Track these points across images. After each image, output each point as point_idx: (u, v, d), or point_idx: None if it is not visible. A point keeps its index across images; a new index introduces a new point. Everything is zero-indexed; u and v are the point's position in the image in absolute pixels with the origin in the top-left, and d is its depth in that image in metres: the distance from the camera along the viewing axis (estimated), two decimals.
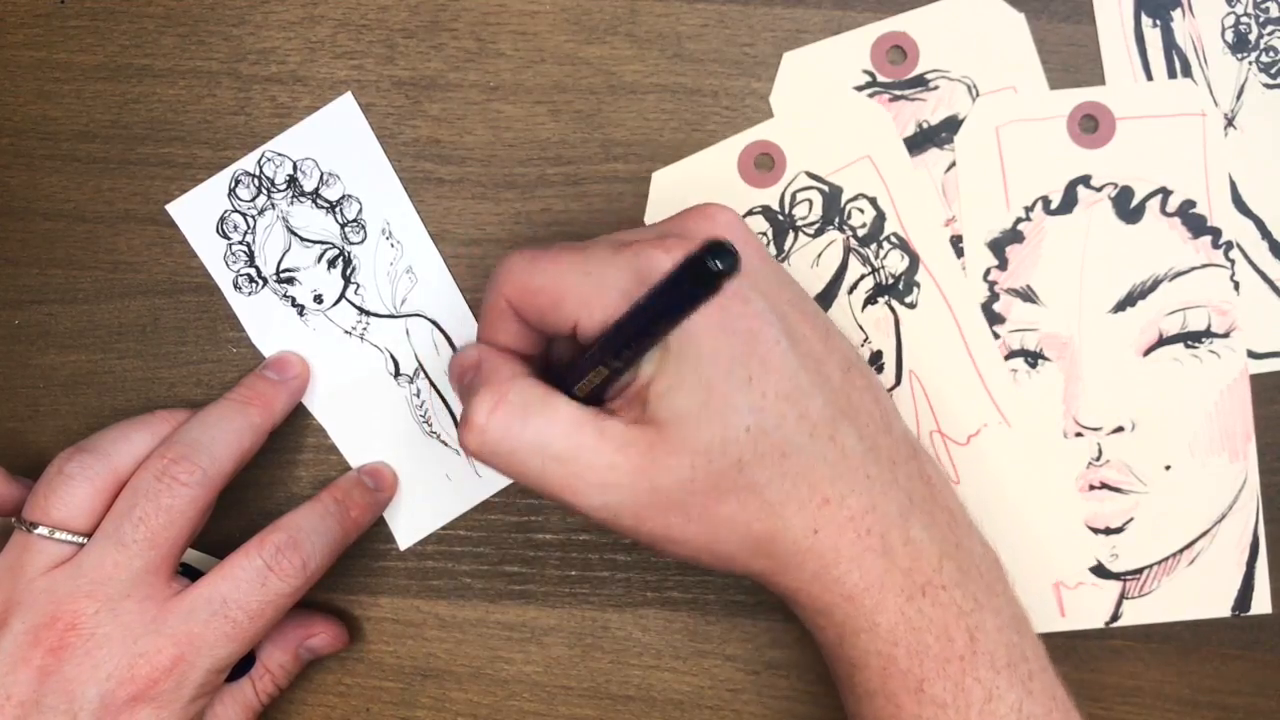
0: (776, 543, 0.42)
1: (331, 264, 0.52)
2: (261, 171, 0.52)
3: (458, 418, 0.52)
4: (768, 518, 0.41)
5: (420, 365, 0.52)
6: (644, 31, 0.51)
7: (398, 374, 0.53)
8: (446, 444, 0.53)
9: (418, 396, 0.53)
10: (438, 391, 0.53)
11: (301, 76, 0.51)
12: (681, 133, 0.51)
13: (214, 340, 0.52)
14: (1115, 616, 0.52)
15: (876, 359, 0.52)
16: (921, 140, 0.51)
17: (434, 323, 0.52)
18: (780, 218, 0.52)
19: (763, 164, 0.52)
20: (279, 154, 0.52)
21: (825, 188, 0.52)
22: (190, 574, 0.47)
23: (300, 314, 0.52)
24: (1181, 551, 0.52)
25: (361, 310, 0.52)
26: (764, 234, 0.52)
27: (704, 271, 0.33)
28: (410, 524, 0.53)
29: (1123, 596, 0.52)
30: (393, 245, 0.52)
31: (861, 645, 0.43)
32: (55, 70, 0.52)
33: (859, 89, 0.51)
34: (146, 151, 0.52)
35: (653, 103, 0.51)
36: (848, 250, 0.52)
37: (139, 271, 0.52)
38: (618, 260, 0.41)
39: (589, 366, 0.40)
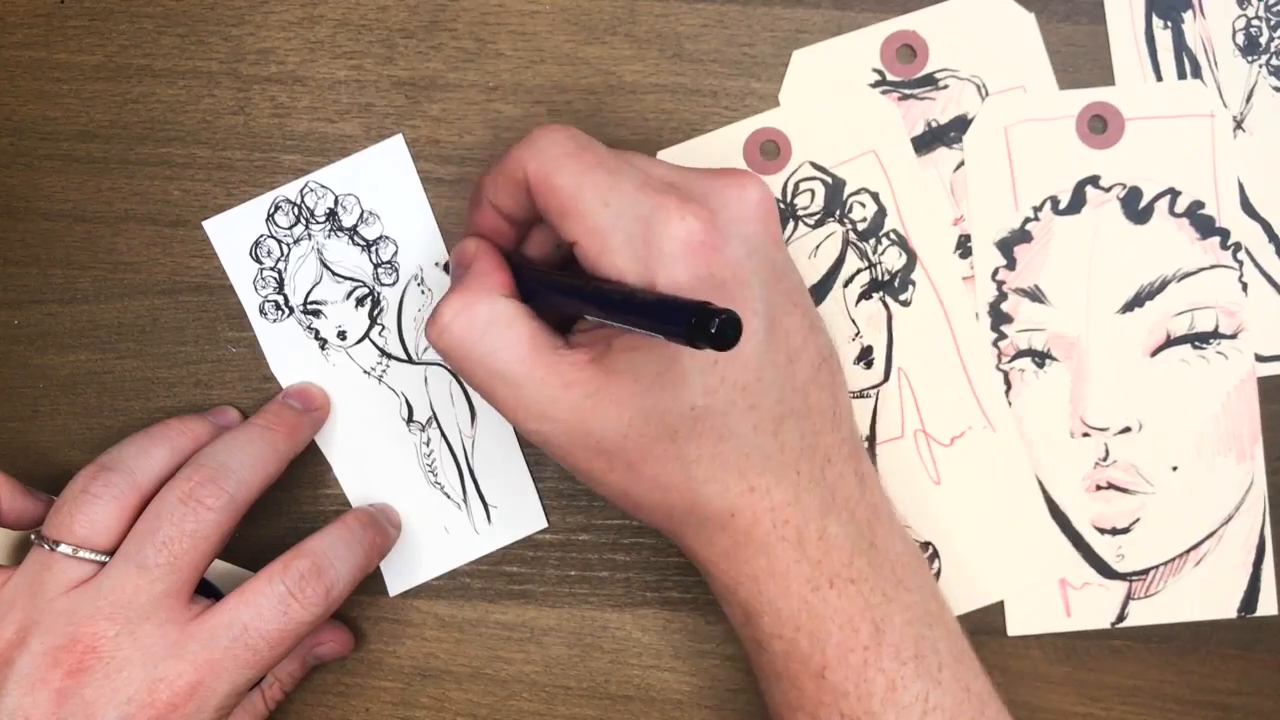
0: (692, 514, 0.43)
1: (360, 302, 0.52)
2: (303, 201, 0.51)
3: (464, 471, 0.52)
4: (688, 491, 0.42)
5: (434, 415, 0.52)
6: (643, 31, 0.51)
7: (410, 420, 0.52)
8: (449, 496, 0.52)
9: (427, 445, 0.52)
10: (448, 444, 0.52)
11: (301, 77, 0.51)
12: (681, 133, 0.51)
13: (213, 340, 0.52)
14: (1121, 617, 0.52)
15: (867, 354, 0.52)
16: (930, 139, 0.51)
17: (453, 375, 0.52)
18: (782, 206, 0.51)
19: (768, 151, 0.51)
20: (322, 186, 0.51)
21: (828, 179, 0.51)
22: (204, 587, 0.47)
23: (322, 348, 0.52)
24: (1188, 552, 0.52)
25: (383, 352, 0.52)
26: None
27: (703, 328, 0.34)
28: (402, 571, 0.52)
29: (1129, 597, 0.52)
30: (423, 292, 0.52)
31: (765, 628, 0.43)
32: (55, 70, 0.52)
33: (870, 87, 0.51)
34: (146, 151, 0.52)
35: (652, 103, 0.51)
36: (846, 244, 0.52)
37: (138, 271, 0.52)
38: (638, 203, 0.41)
39: (567, 296, 0.42)
